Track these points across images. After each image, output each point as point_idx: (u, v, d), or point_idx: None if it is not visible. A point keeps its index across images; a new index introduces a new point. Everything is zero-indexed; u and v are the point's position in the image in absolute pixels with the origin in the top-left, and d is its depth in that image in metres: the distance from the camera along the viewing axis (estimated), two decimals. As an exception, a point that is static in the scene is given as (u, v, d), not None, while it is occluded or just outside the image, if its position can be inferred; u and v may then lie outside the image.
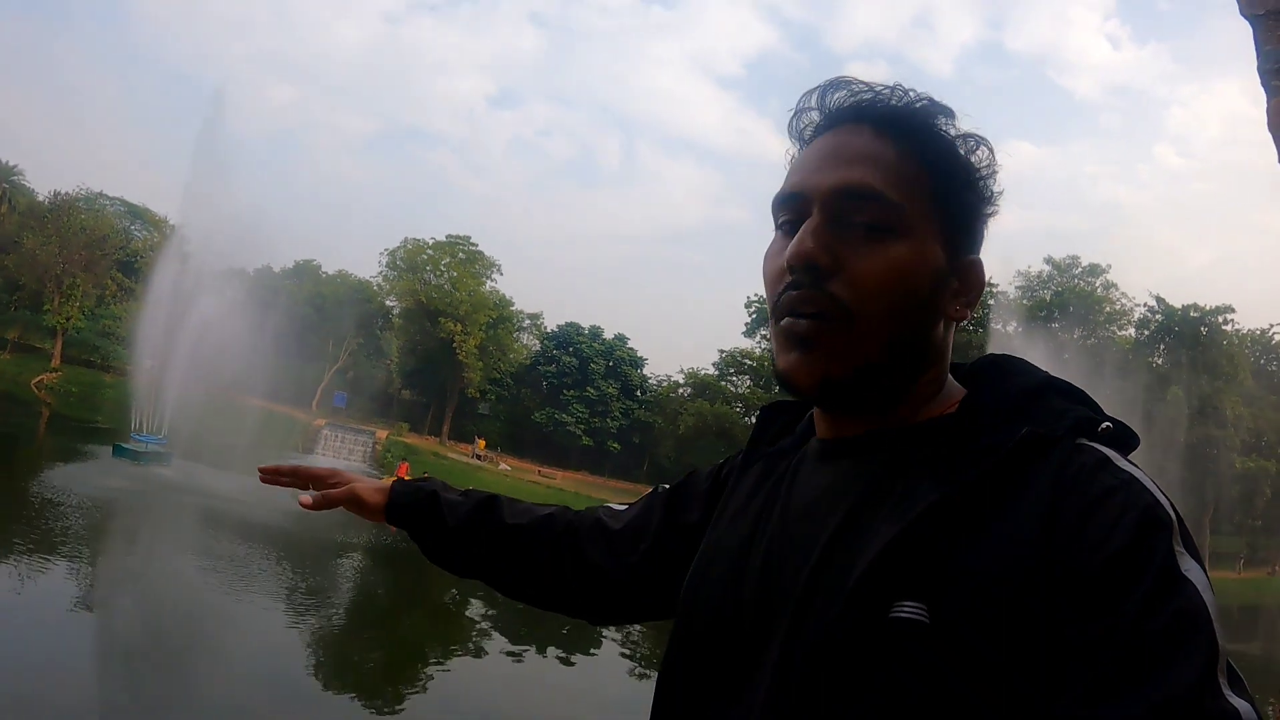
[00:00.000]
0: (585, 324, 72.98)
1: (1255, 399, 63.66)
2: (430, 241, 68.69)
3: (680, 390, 68.17)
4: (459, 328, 64.13)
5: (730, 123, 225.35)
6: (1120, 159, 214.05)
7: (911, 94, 1.11)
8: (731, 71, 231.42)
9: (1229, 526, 63.41)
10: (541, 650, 18.37)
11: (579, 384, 68.83)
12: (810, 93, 1.14)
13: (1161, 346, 64.63)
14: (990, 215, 1.14)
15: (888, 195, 1.04)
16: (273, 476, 1.67)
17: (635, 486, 60.78)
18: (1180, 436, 56.02)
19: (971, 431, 1.00)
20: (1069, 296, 62.06)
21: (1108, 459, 0.93)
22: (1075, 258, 66.78)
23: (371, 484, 1.64)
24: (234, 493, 26.61)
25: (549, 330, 75.90)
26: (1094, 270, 65.77)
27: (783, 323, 1.07)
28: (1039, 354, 47.82)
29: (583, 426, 67.45)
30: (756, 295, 75.23)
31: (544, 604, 1.61)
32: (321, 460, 55.20)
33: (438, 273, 68.17)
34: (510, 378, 70.92)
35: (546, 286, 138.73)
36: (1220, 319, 63.70)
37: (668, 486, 1.55)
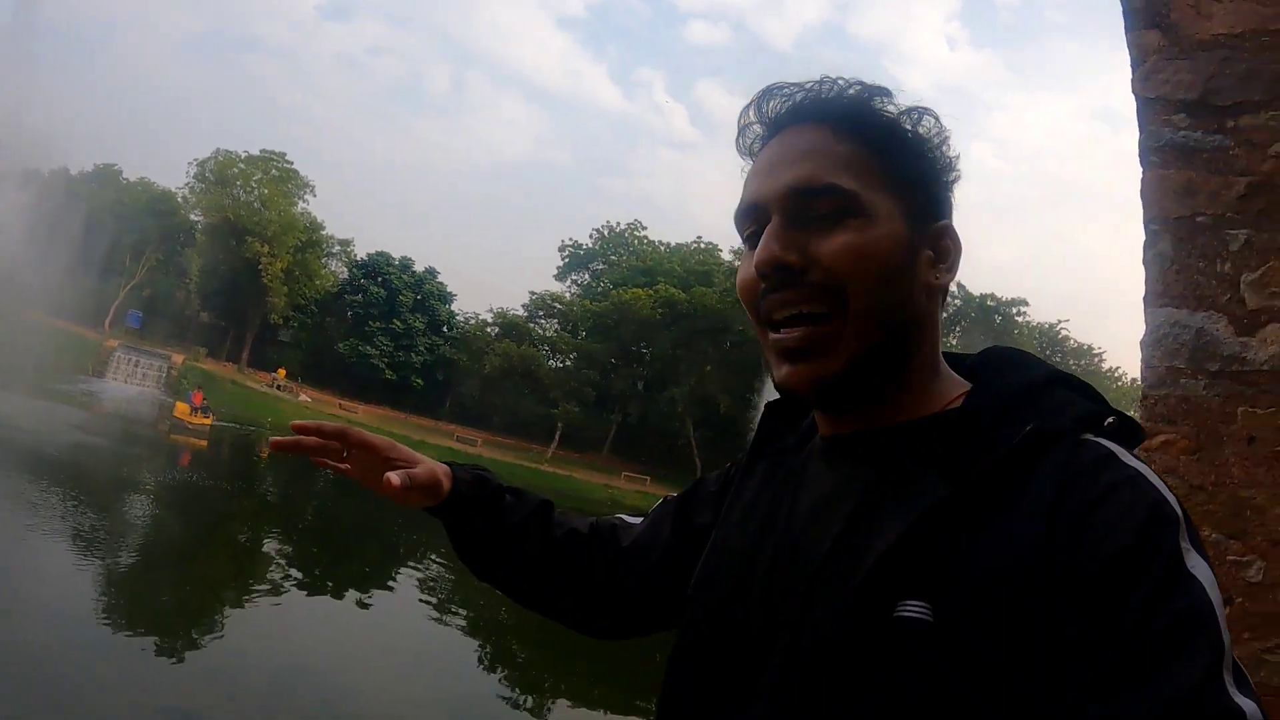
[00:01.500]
0: (396, 254, 71.47)
1: (1042, 385, 68.85)
2: (243, 155, 65.62)
3: (488, 329, 67.46)
4: (266, 249, 61.57)
5: (565, 64, 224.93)
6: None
7: (841, 82, 1.10)
8: (574, 12, 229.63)
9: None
10: (339, 591, 17.77)
11: (385, 316, 67.06)
12: (747, 107, 1.14)
13: (958, 329, 67.90)
14: (952, 180, 1.12)
15: (839, 184, 1.03)
16: (295, 440, 1.40)
17: (437, 424, 60.23)
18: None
19: (975, 428, 0.98)
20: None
21: (1112, 454, 0.91)
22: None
23: (438, 464, 1.44)
24: (12, 418, 24.93)
25: (359, 259, 73.44)
26: (908, 246, 68.58)
27: (773, 337, 1.06)
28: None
29: (386, 360, 65.86)
30: (571, 239, 75.61)
31: (571, 619, 1.54)
32: (111, 386, 52.42)
33: (248, 189, 65.11)
34: (315, 305, 68.48)
35: (359, 212, 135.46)
36: (1015, 310, 68.36)
37: (676, 496, 1.50)
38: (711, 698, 1.08)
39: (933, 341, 1.10)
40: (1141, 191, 2.86)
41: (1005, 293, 68.72)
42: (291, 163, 67.15)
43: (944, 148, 1.11)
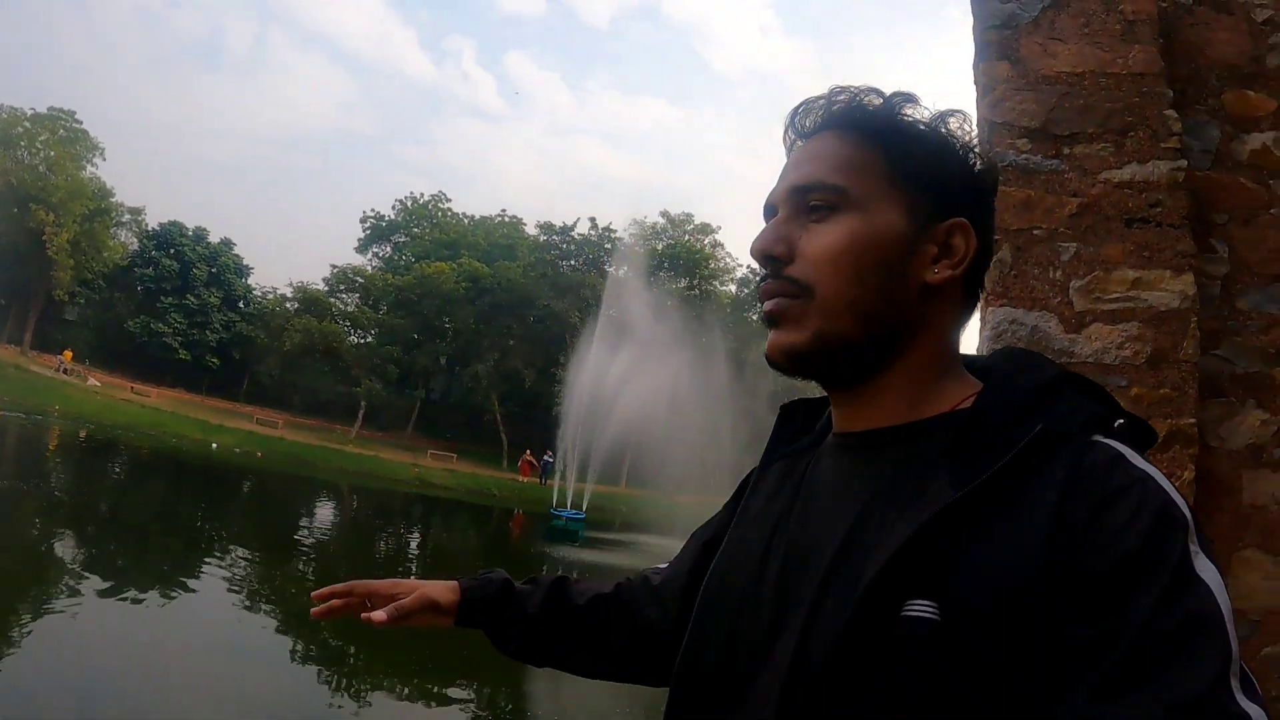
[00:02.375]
0: (190, 224, 66.96)
1: (834, 359, 71.24)
2: (29, 113, 59.34)
3: (287, 304, 64.36)
4: (51, 218, 56.06)
5: (374, 27, 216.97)
6: (743, 132, 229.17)
7: (855, 90, 1.17)
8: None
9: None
10: (142, 590, 16.72)
11: (179, 291, 61.93)
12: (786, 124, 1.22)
13: (758, 305, 69.05)
14: (971, 179, 1.15)
15: (827, 180, 1.10)
16: (327, 606, 1.56)
17: (234, 406, 57.37)
18: (768, 386, 61.08)
19: (985, 428, 1.00)
20: (679, 250, 65.36)
21: (1121, 456, 0.93)
22: (689, 214, 70.55)
23: (439, 585, 1.57)
24: None
25: (150, 229, 67.36)
26: (704, 229, 69.83)
27: (760, 310, 1.13)
28: (647, 299, 50.08)
29: (180, 339, 61.59)
30: (373, 210, 73.61)
31: (622, 678, 1.61)
32: None
33: (33, 151, 58.91)
34: (104, 280, 63.27)
35: (152, 178, 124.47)
36: (816, 290, 69.79)
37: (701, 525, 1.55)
38: (719, 696, 1.11)
39: (937, 340, 1.13)
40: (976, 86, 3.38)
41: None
42: (81, 122, 61.20)
43: (967, 148, 1.15)
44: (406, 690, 13.89)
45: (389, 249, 73.91)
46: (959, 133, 1.15)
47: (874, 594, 0.91)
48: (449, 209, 77.30)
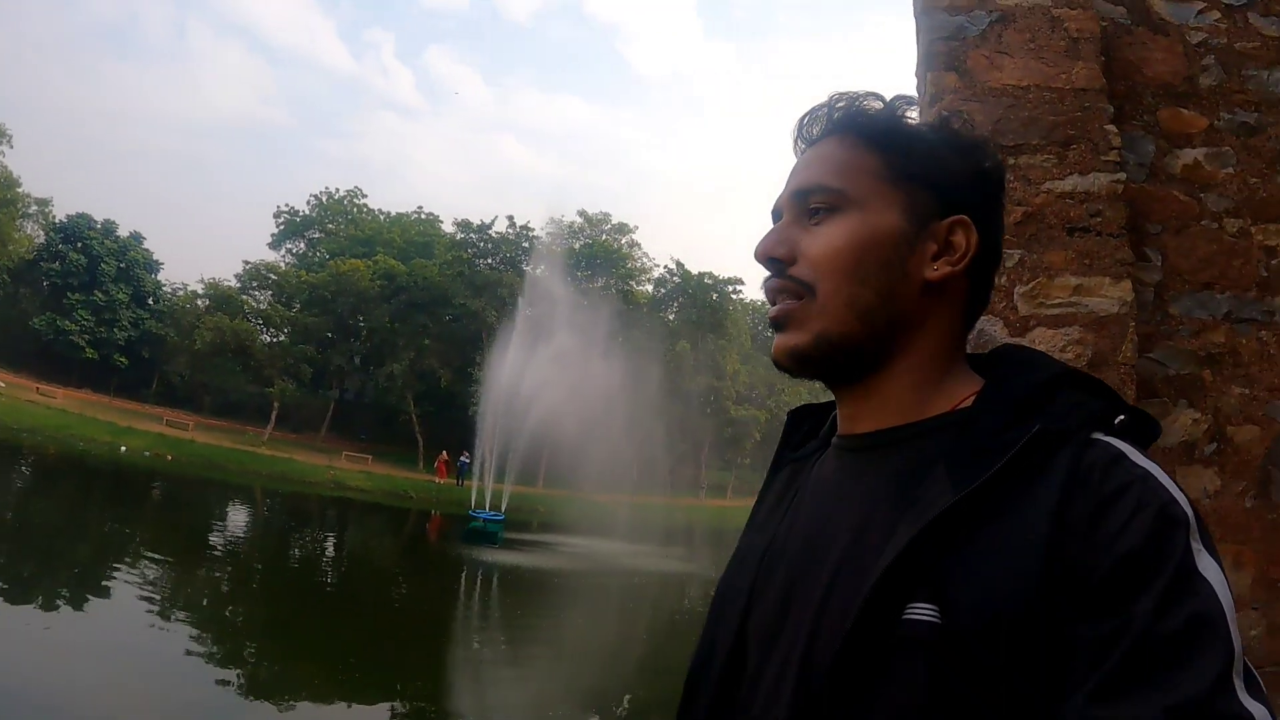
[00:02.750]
0: (99, 216, 64.51)
1: (751, 358, 72.47)
2: None
3: (198, 301, 62.46)
4: None
5: (295, 17, 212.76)
6: (661, 132, 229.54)
7: (854, 95, 1.19)
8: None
9: (721, 463, 72.10)
10: (49, 599, 16.34)
11: (86, 287, 59.86)
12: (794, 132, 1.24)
13: (676, 305, 70.45)
14: (973, 178, 1.16)
15: (826, 183, 1.12)
16: None
17: (143, 407, 55.70)
18: (685, 384, 61.52)
19: (984, 428, 1.01)
20: (597, 249, 65.47)
21: (1122, 454, 0.93)
22: (607, 214, 70.71)
23: None
24: None
25: (58, 221, 65.04)
26: (622, 229, 70.10)
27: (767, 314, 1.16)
28: (565, 298, 49.96)
29: (87, 337, 59.52)
30: (287, 205, 72.06)
31: None
32: None
33: None
34: (8, 275, 60.90)
35: (60, 167, 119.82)
36: (731, 289, 70.67)
37: None
38: (729, 697, 1.13)
39: (939, 337, 1.13)
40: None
41: (722, 271, 71.41)
42: (-13, 109, 59.28)
43: (972, 151, 1.17)
44: (327, 693, 13.72)
45: (303, 245, 72.63)
46: (963, 132, 1.20)
47: (876, 598, 0.93)
48: (365, 205, 76.41)
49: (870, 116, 1.17)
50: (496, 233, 62.15)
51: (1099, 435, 0.95)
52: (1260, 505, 2.74)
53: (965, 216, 1.12)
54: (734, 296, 71.61)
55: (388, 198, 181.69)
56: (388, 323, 58.70)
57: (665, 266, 71.74)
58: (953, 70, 3.58)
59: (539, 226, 64.17)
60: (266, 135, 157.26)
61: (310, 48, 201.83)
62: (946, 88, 3.57)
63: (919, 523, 0.93)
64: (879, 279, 1.09)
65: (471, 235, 62.29)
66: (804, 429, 1.34)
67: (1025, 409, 1.00)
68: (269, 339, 60.77)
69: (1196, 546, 0.86)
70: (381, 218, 75.56)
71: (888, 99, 1.20)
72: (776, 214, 1.19)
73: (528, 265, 61.27)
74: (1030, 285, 3.62)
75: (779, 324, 1.12)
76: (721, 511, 63.06)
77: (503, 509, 39.24)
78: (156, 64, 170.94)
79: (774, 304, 1.13)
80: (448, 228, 69.29)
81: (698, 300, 68.87)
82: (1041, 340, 3.48)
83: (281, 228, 71.85)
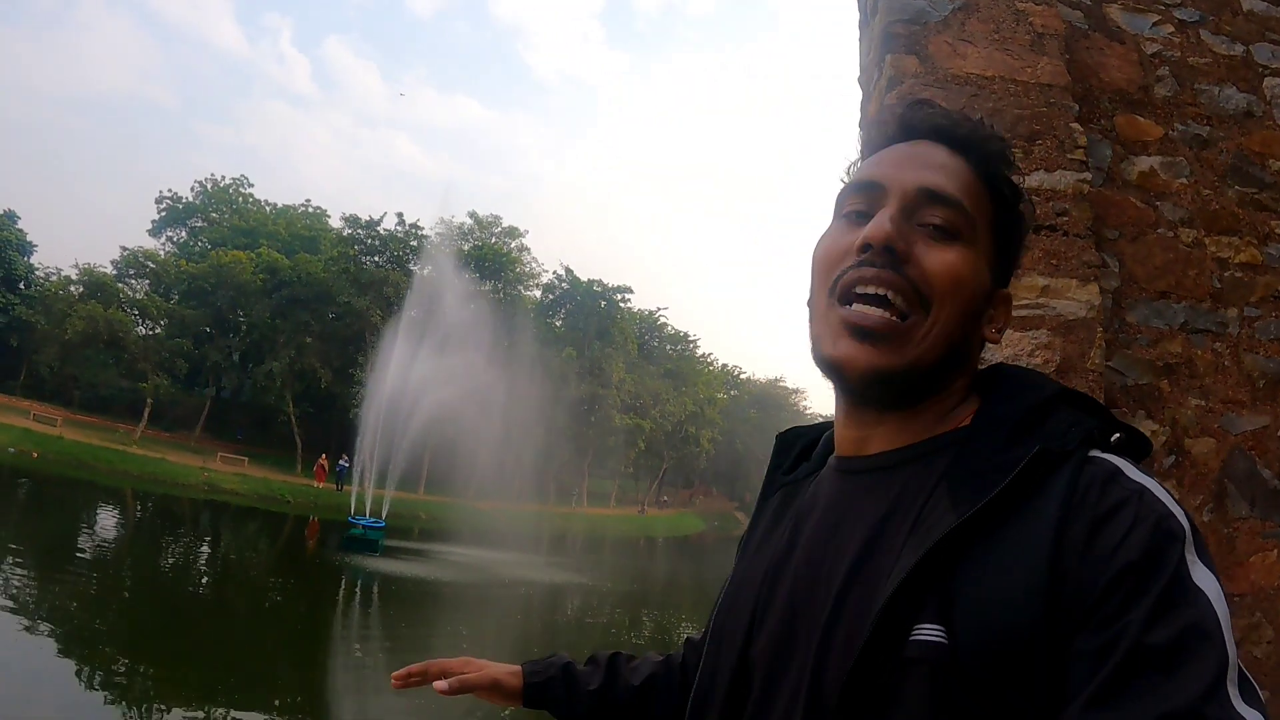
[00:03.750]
0: None
1: (637, 367, 72.97)
2: None
3: (72, 288, 58.39)
4: None
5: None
6: (555, 138, 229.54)
7: (986, 126, 1.20)
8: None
9: (605, 472, 72.33)
10: None
11: None
12: (891, 107, 1.20)
13: (563, 311, 70.46)
14: (1020, 253, 1.20)
15: (964, 203, 1.10)
16: (405, 681, 1.62)
17: (9, 400, 51.74)
18: (570, 392, 61.60)
19: (983, 449, 1.02)
20: (487, 252, 64.75)
21: (1118, 470, 0.95)
22: (498, 217, 70.20)
23: (504, 668, 1.64)
24: None
25: None
26: (512, 232, 69.62)
27: (845, 310, 1.09)
28: (452, 300, 49.52)
29: None
30: (170, 191, 69.99)
31: None
32: None
33: None
34: None
35: None
36: (620, 297, 71.34)
37: None
38: None
39: (970, 379, 1.16)
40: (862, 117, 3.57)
41: (611, 279, 71.46)
42: None
43: (1028, 229, 1.19)
44: (200, 704, 13.33)
45: (184, 233, 70.56)
46: (1028, 209, 1.19)
47: (884, 621, 0.93)
48: (251, 195, 74.65)
49: (1005, 164, 1.17)
50: (385, 230, 61.11)
51: (1095, 453, 0.97)
52: (1216, 519, 2.77)
53: (1008, 292, 1.18)
54: (622, 305, 71.96)
55: (275, 189, 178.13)
56: (268, 318, 56.69)
57: (554, 272, 71.93)
58: (913, 54, 3.65)
59: (429, 226, 63.41)
60: (152, 116, 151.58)
61: (204, 27, 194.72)
62: (907, 71, 3.61)
63: (924, 545, 0.95)
64: (970, 324, 1.12)
65: (359, 231, 61.08)
66: (795, 451, 1.35)
67: (1022, 429, 1.02)
68: (144, 331, 57.86)
69: (1192, 558, 0.88)
70: (267, 209, 73.93)
71: (1005, 143, 1.19)
72: (874, 189, 1.15)
73: (416, 265, 60.34)
74: (1000, 282, 3.72)
75: (874, 335, 1.07)
76: (603, 520, 63.45)
77: (383, 516, 38.56)
78: (38, 30, 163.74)
79: (870, 293, 1.08)
80: (335, 223, 67.72)
81: (585, 307, 69.12)
82: (1010, 343, 3.58)
83: (163, 214, 69.73)
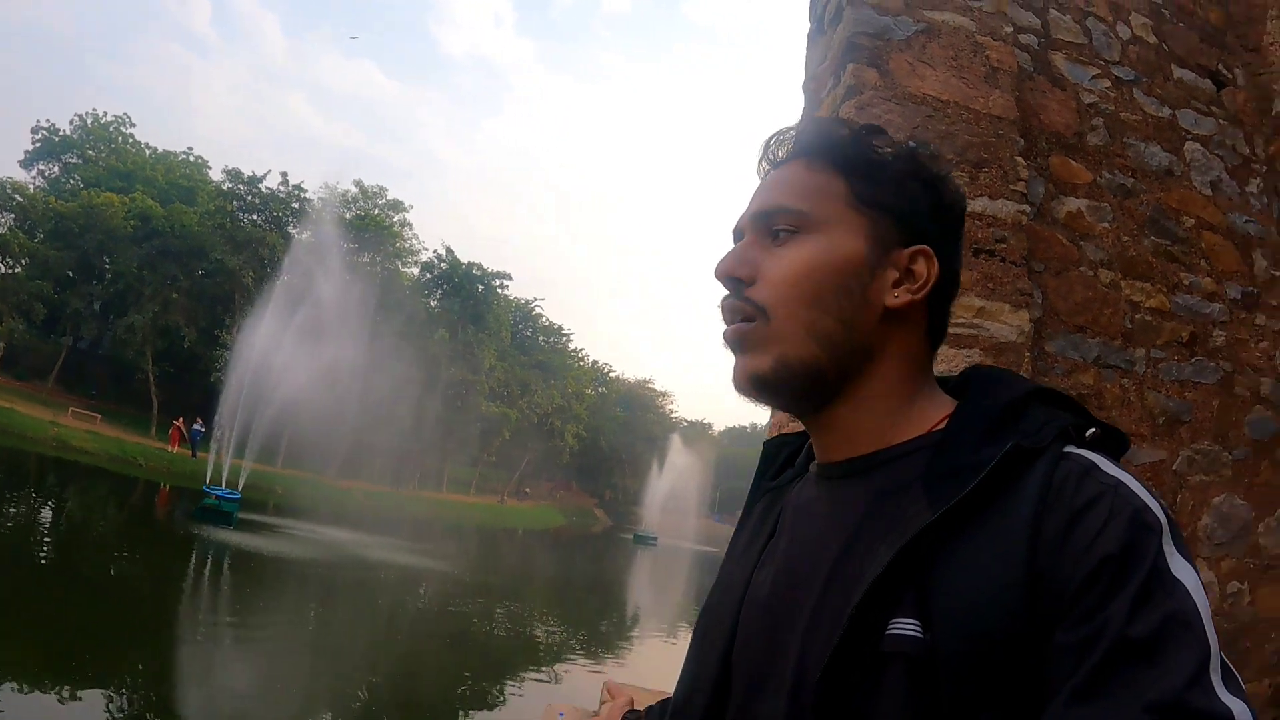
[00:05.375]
0: None
1: (508, 355, 73.12)
2: None
3: None
4: None
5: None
6: (455, 118, 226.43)
7: (827, 122, 1.25)
8: None
9: (467, 459, 71.85)
10: None
11: None
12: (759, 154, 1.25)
13: (440, 292, 69.56)
14: (936, 209, 1.17)
15: (789, 205, 1.12)
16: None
17: None
18: (440, 375, 61.03)
19: (959, 447, 1.03)
20: (369, 222, 63.59)
21: (1093, 465, 0.95)
22: (383, 188, 69.73)
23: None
24: None
25: None
26: (396, 206, 69.07)
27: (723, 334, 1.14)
28: (329, 269, 48.56)
29: None
30: (48, 122, 66.99)
31: None
32: None
33: None
34: None
35: None
36: (498, 283, 70.91)
37: None
38: None
39: (902, 364, 1.14)
40: None
41: (491, 264, 71.13)
42: None
43: (936, 182, 1.17)
44: (37, 679, 12.59)
45: (58, 169, 67.46)
46: (928, 164, 1.19)
47: (860, 616, 0.94)
48: (131, 136, 71.47)
49: (838, 141, 1.18)
50: (267, 188, 59.22)
51: (1071, 449, 0.97)
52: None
53: (927, 246, 1.14)
54: (500, 291, 71.68)
55: (160, 134, 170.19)
56: (136, 268, 53.98)
57: (435, 251, 71.13)
58: (875, 67, 3.87)
59: (313, 190, 61.91)
60: (39, 42, 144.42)
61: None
62: (867, 83, 3.83)
63: (900, 541, 0.95)
64: (839, 304, 1.10)
65: (240, 187, 58.97)
66: (780, 459, 1.36)
67: (998, 426, 1.02)
68: (3, 269, 54.58)
69: (1169, 549, 0.88)
70: (147, 153, 70.86)
71: (855, 127, 1.21)
72: (738, 234, 1.20)
73: (295, 229, 58.70)
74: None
75: (735, 345, 1.13)
76: (462, 508, 62.96)
77: (240, 487, 37.15)
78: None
79: (729, 324, 1.14)
80: (216, 175, 65.49)
81: (463, 290, 68.52)
82: (945, 358, 3.76)
83: (37, 145, 66.41)
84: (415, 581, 27.58)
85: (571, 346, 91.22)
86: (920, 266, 1.13)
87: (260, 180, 59.08)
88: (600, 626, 25.45)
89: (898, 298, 1.12)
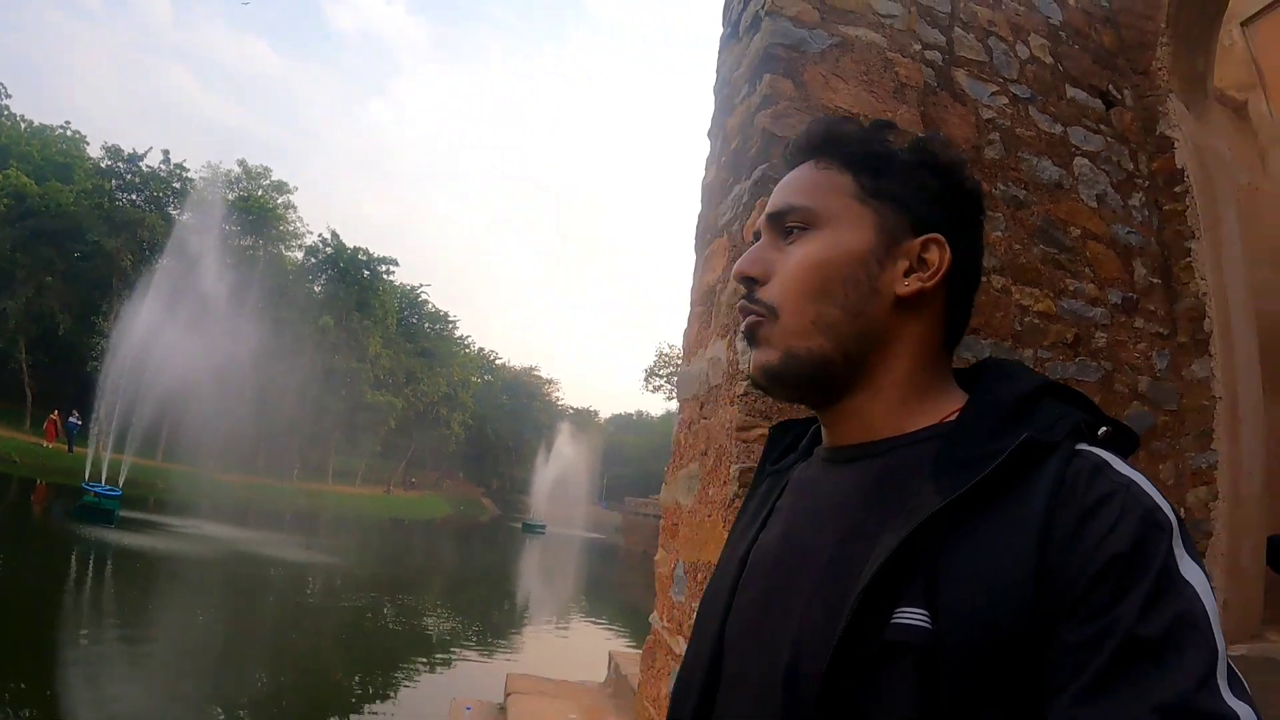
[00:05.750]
0: None
1: (394, 342, 72.34)
2: None
3: None
4: None
5: None
6: (343, 97, 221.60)
7: (836, 121, 1.25)
8: None
9: (353, 449, 70.57)
10: None
11: None
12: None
13: (324, 277, 68.38)
14: (948, 196, 1.18)
15: (796, 203, 1.16)
16: None
17: None
18: (324, 362, 60.04)
19: (970, 438, 1.03)
20: (252, 204, 62.09)
21: (1105, 463, 0.94)
22: (268, 169, 68.25)
23: None
24: None
25: None
26: (280, 187, 67.38)
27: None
28: (213, 253, 47.34)
29: None
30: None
31: None
32: None
33: None
34: None
35: None
36: (384, 269, 70.32)
37: None
38: (713, 706, 1.14)
39: (916, 353, 1.14)
40: (750, 207, 3.99)
41: (377, 249, 70.09)
42: None
43: (948, 170, 1.18)
44: None
45: (-71, 141, 63.28)
46: (940, 153, 1.19)
47: (866, 603, 0.93)
48: (7, 107, 66.78)
49: (844, 137, 1.20)
50: (148, 167, 57.27)
51: (1083, 446, 0.97)
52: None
53: (939, 234, 1.14)
54: (386, 277, 71.02)
55: (38, 107, 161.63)
56: (8, 250, 50.87)
57: (320, 235, 69.89)
58: (789, 78, 4.18)
59: (195, 170, 60.10)
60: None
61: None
62: (782, 94, 4.13)
63: (908, 527, 0.95)
64: (845, 296, 1.11)
65: (119, 165, 56.85)
66: (784, 443, 1.37)
67: (1011, 419, 1.02)
68: None
69: (1179, 551, 0.88)
70: (23, 126, 66.57)
71: (866, 125, 1.23)
72: (756, 236, 1.23)
73: (177, 210, 56.86)
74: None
75: (750, 339, 1.16)
76: (349, 499, 62.03)
77: (120, 483, 35.82)
78: None
79: (744, 321, 1.17)
80: (95, 152, 62.10)
81: (348, 276, 67.48)
82: None
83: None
84: (303, 577, 27.13)
85: (458, 333, 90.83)
86: (932, 255, 1.14)
87: (141, 158, 57.26)
88: (492, 617, 25.35)
89: (908, 286, 1.12)
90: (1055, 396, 1.06)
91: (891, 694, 0.89)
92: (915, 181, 1.16)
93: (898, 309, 1.12)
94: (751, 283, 1.16)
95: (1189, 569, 0.86)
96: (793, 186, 1.18)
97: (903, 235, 1.13)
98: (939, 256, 1.13)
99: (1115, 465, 0.94)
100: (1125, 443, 1.01)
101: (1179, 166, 5.95)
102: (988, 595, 0.88)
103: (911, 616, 0.90)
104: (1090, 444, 0.97)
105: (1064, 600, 0.86)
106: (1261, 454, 5.83)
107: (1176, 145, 5.99)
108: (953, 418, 1.09)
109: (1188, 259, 5.81)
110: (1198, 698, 0.78)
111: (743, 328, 1.16)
